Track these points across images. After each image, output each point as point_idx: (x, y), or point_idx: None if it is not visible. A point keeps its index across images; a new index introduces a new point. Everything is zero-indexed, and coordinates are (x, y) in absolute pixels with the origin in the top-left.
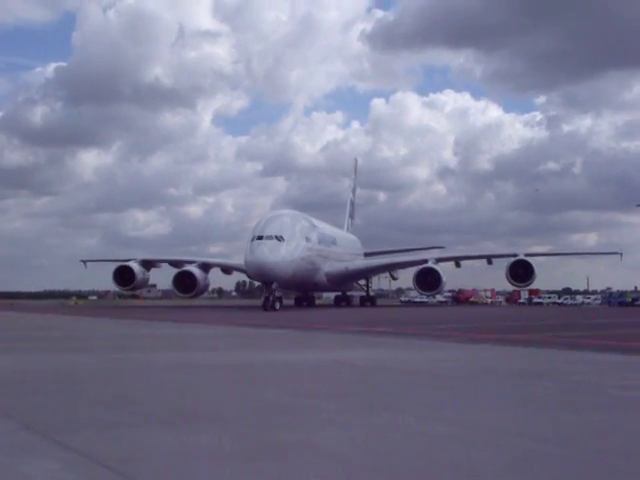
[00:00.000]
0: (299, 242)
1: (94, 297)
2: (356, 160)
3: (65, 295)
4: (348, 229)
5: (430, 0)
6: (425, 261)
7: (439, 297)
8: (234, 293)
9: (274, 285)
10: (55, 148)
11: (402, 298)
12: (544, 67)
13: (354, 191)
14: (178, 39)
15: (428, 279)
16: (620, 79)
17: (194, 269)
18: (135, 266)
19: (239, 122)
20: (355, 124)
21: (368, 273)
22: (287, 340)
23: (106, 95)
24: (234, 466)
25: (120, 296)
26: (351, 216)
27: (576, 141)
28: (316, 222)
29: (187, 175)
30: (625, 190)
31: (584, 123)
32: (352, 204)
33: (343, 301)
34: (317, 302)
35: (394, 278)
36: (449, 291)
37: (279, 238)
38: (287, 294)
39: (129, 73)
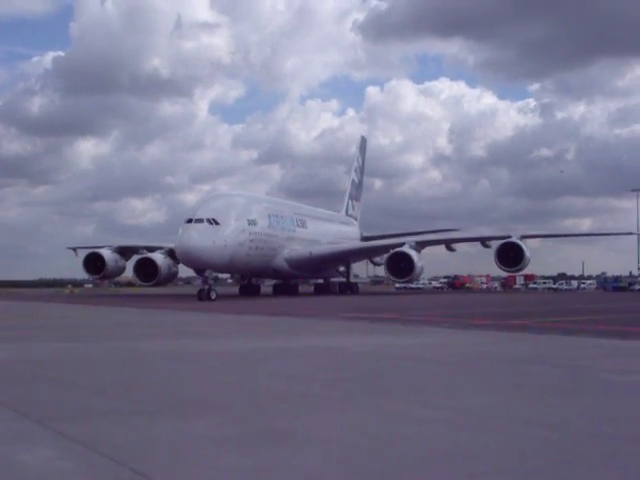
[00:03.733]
0: (239, 226)
1: (89, 285)
2: (363, 138)
3: (61, 283)
4: (348, 212)
5: None
6: (401, 245)
7: (435, 283)
8: (230, 280)
9: (207, 272)
10: (53, 137)
11: (397, 285)
12: (536, 55)
13: (358, 171)
14: (176, 30)
15: (401, 264)
16: (612, 66)
17: (157, 256)
18: (107, 253)
19: (235, 111)
20: (350, 112)
21: (339, 258)
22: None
23: (104, 85)
24: (231, 453)
25: (116, 284)
26: (354, 198)
27: (569, 128)
28: (279, 204)
29: (184, 163)
30: (618, 176)
31: (577, 110)
32: (355, 185)
33: (324, 289)
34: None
35: (375, 264)
36: (445, 277)
37: (211, 222)
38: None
39: (127, 63)
